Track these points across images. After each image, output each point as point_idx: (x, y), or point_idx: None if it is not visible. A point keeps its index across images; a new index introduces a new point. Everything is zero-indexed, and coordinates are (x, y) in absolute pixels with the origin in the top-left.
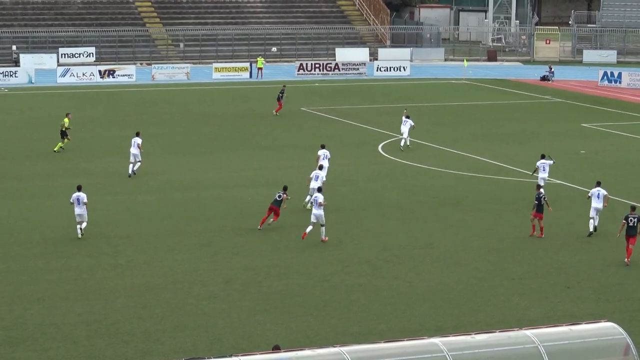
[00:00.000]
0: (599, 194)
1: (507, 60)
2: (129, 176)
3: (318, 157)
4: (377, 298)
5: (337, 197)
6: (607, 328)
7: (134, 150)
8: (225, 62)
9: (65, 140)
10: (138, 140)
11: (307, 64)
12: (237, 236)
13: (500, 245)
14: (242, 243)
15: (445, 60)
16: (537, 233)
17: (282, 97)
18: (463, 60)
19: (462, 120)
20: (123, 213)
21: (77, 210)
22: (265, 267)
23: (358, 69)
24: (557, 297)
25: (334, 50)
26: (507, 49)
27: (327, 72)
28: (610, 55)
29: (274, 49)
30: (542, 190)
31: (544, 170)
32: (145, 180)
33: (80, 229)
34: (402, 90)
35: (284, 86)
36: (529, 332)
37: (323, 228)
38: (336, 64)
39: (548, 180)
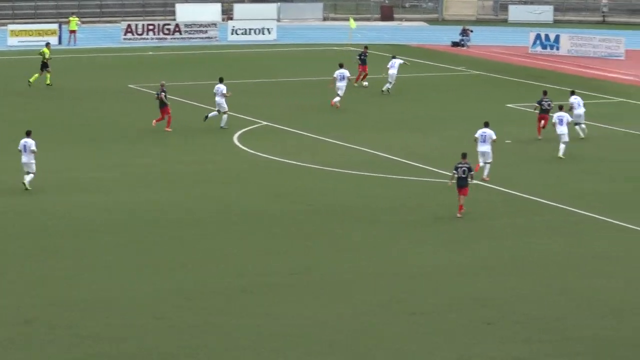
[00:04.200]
0: (484, 134)
1: (407, 20)
2: None
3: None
4: (232, 341)
5: (178, 205)
6: None
7: None
8: (26, 22)
9: (47, 74)
10: None
11: (137, 25)
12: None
13: (397, 269)
14: (46, 269)
15: (325, 19)
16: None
17: (364, 59)
18: (348, 20)
19: (346, 100)
20: None
21: (24, 159)
22: (81, 301)
23: (206, 31)
24: (472, 337)
25: (174, 7)
26: (407, 4)
27: (165, 37)
28: (545, 12)
29: None
30: (467, 161)
31: (483, 141)
32: None
33: (26, 181)
34: (266, 61)
35: (366, 47)
36: None
37: None
38: (177, 26)
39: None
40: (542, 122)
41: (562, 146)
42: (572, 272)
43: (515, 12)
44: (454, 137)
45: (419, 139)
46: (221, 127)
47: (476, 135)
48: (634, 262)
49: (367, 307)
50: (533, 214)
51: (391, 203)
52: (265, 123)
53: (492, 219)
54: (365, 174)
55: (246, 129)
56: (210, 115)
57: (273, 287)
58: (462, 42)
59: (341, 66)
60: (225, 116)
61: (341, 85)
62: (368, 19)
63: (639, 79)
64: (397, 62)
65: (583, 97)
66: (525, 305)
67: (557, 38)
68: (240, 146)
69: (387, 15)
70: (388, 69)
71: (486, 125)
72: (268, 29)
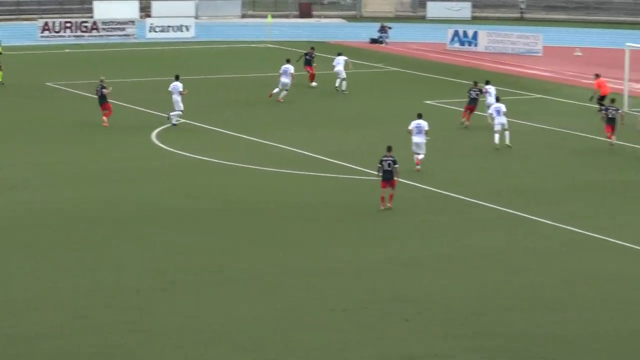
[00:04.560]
0: (419, 126)
1: (325, 17)
2: None
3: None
4: (151, 340)
5: (95, 204)
6: None
7: None
8: None
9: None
10: None
11: (54, 22)
12: None
13: (316, 265)
14: None
15: (243, 16)
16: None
17: (310, 60)
18: (267, 17)
19: (265, 97)
20: None
21: None
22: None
23: (124, 29)
24: (391, 334)
25: (91, 4)
26: (325, 1)
27: (82, 34)
28: (463, 9)
29: None
30: (392, 154)
31: (418, 133)
32: None
33: None
34: (185, 58)
35: (312, 48)
36: None
37: None
38: (94, 23)
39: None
40: (468, 111)
41: (506, 133)
42: (491, 268)
43: (434, 9)
44: (372, 133)
45: (338, 136)
46: (173, 125)
47: (410, 127)
48: (553, 257)
49: (286, 304)
50: (453, 210)
51: (310, 200)
52: (184, 121)
53: (412, 216)
54: (284, 171)
55: (165, 126)
56: (172, 114)
57: (192, 285)
58: (381, 39)
59: (288, 61)
60: (179, 113)
61: (284, 80)
62: (287, 16)
63: (556, 75)
64: (341, 58)
65: (501, 93)
66: (444, 302)
67: (475, 34)
68: (159, 144)
69: (305, 12)
70: (334, 66)
71: (419, 116)
72: (186, 27)
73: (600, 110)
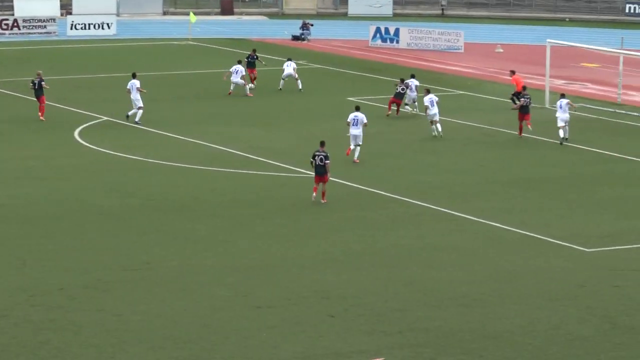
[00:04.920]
0: (356, 118)
1: (247, 14)
2: None
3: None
4: (75, 338)
5: (16, 202)
6: None
7: None
8: None
9: None
10: None
11: None
12: None
13: (242, 262)
14: None
15: (165, 13)
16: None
17: (253, 62)
18: (189, 14)
19: (186, 94)
20: None
21: None
22: None
23: (45, 26)
24: (317, 330)
25: (12, 1)
26: None
27: (3, 32)
28: (385, 6)
29: None
30: (325, 149)
31: (355, 125)
32: None
33: None
34: (106, 55)
35: (254, 50)
36: None
37: None
38: (15, 21)
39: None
40: (394, 104)
41: (437, 125)
42: (415, 263)
43: (355, 6)
44: (296, 130)
45: (262, 133)
46: (136, 123)
47: (348, 120)
48: (477, 253)
49: (211, 302)
50: (378, 207)
51: (235, 197)
52: (106, 118)
53: (337, 212)
54: (209, 168)
55: (87, 124)
56: (130, 113)
57: (115, 283)
58: (303, 36)
59: (239, 62)
60: (140, 111)
61: (235, 80)
62: (208, 14)
63: (478, 71)
64: (291, 63)
65: (423, 91)
66: (369, 297)
67: (396, 31)
68: (81, 141)
69: (227, 9)
70: (283, 70)
71: (357, 109)
72: (108, 24)
73: (513, 100)
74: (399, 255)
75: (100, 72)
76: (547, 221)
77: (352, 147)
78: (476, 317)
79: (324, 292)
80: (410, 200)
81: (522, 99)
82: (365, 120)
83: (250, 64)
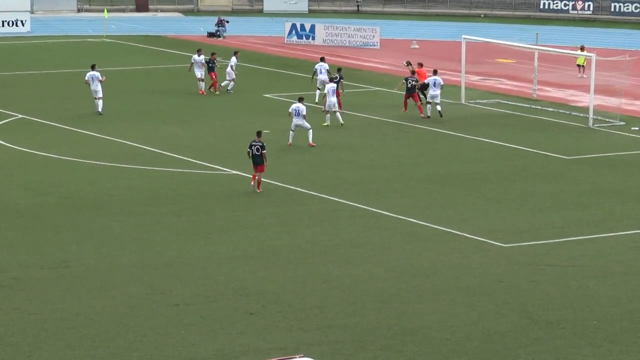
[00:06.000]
0: (297, 109)
1: (162, 10)
2: None
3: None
4: None
5: None
6: None
7: None
8: None
9: None
10: None
11: None
12: None
13: (159, 260)
14: None
15: (79, 10)
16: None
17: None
18: (103, 11)
19: (108, 93)
20: None
21: None
22: None
23: None
24: (236, 328)
25: None
26: None
27: None
28: (300, 3)
29: None
30: (261, 139)
31: (297, 115)
32: None
33: None
34: (20, 53)
35: (214, 54)
36: None
37: None
38: None
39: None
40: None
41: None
42: (332, 260)
43: (271, 3)
44: (213, 127)
45: (178, 131)
46: (98, 113)
47: (290, 110)
48: (394, 249)
49: (128, 300)
50: (293, 203)
51: (150, 194)
52: (21, 116)
53: (253, 209)
54: (124, 166)
55: (2, 122)
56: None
57: (32, 281)
58: (218, 33)
59: (199, 52)
60: (100, 102)
61: (198, 71)
62: (123, 10)
63: (393, 67)
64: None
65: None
66: (287, 294)
67: (312, 28)
68: None
69: (142, 6)
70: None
71: (300, 100)
72: (22, 21)
73: (419, 92)
74: (316, 252)
75: (15, 70)
76: (464, 217)
77: (290, 141)
78: (394, 313)
79: (242, 289)
80: (327, 197)
81: (407, 81)
82: (304, 113)
83: (211, 69)
